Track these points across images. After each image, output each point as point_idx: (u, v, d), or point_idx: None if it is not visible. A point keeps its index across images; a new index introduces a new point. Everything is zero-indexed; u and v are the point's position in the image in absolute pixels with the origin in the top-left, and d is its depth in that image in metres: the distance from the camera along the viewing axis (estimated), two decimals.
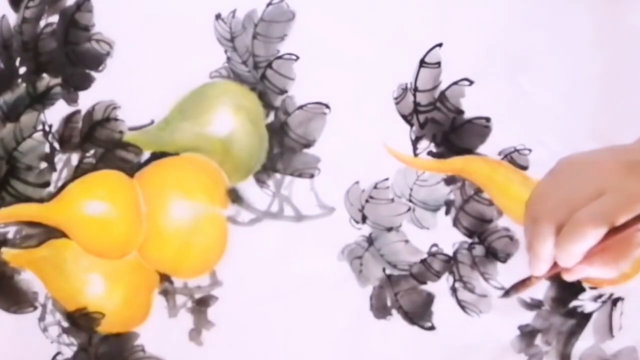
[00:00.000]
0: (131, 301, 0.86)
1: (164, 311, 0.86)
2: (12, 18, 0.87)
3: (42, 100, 0.86)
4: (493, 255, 0.83)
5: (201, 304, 0.86)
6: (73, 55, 0.86)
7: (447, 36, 0.82)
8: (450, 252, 0.83)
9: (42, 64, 0.86)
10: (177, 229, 0.85)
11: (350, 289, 0.84)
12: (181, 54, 0.84)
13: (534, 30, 0.81)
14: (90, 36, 0.86)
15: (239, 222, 0.85)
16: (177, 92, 0.85)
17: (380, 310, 0.84)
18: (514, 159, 0.82)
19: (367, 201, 0.83)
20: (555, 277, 0.56)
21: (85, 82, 0.86)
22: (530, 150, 0.82)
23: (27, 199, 0.87)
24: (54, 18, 0.86)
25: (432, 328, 0.83)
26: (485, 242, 0.83)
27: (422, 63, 0.82)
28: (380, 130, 0.83)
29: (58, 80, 0.86)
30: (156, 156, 0.86)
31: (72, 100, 0.86)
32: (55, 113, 0.86)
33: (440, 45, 0.82)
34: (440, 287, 0.83)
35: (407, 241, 0.83)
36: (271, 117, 0.84)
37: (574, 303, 0.82)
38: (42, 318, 0.87)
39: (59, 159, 0.87)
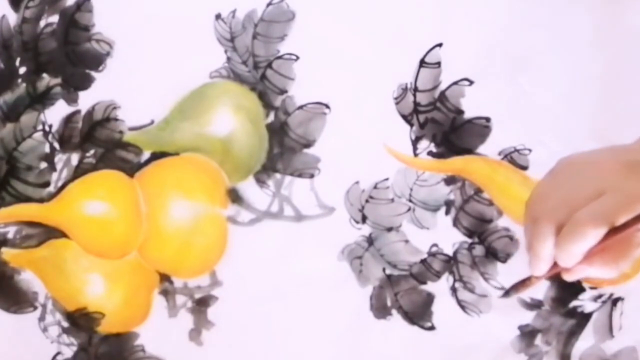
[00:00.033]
0: (131, 301, 0.86)
1: (164, 311, 0.86)
2: (12, 18, 0.87)
3: (42, 100, 0.86)
4: (493, 255, 0.83)
5: (201, 304, 0.86)
6: (73, 55, 0.86)
7: (447, 36, 0.82)
8: (450, 252, 0.83)
9: (42, 64, 0.86)
10: (177, 229, 0.85)
11: (350, 289, 0.84)
12: (181, 54, 0.84)
13: (534, 30, 0.81)
14: (90, 36, 0.86)
15: (239, 222, 0.85)
16: (177, 92, 0.85)
17: (380, 310, 0.84)
18: (514, 159, 0.82)
19: (367, 201, 0.83)
20: (555, 277, 0.56)
21: (85, 82, 0.86)
22: (530, 150, 0.82)
23: (27, 199, 0.87)
24: (54, 18, 0.86)
25: (432, 328, 0.83)
26: (485, 242, 0.83)
27: (422, 63, 0.82)
28: (380, 130, 0.83)
29: (58, 80, 0.86)
30: (156, 156, 0.86)
31: (72, 100, 0.86)
32: (55, 113, 0.86)
33: (440, 45, 0.82)
34: (440, 287, 0.83)
35: (407, 241, 0.83)
36: (271, 117, 0.84)
37: (574, 303, 0.82)
38: (42, 318, 0.87)
39: (59, 159, 0.87)
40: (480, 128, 0.82)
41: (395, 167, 0.83)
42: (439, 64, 0.82)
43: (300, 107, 0.84)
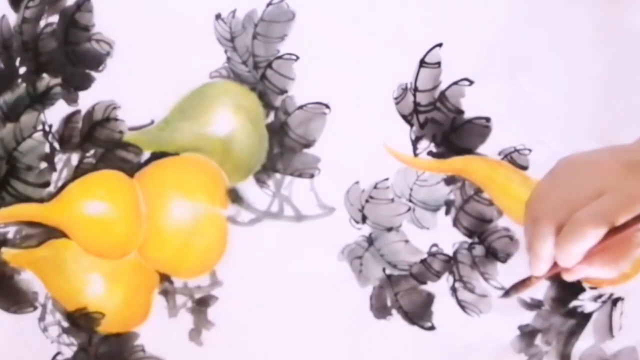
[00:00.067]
0: (131, 301, 0.86)
1: (164, 311, 0.86)
2: (12, 18, 0.87)
3: (42, 100, 0.86)
4: (493, 255, 0.83)
5: (201, 304, 0.86)
6: (73, 55, 0.86)
7: (447, 36, 0.82)
8: (450, 252, 0.83)
9: (42, 64, 0.86)
10: (177, 229, 0.85)
11: (350, 289, 0.84)
12: (181, 54, 0.84)
13: (534, 30, 0.81)
14: (90, 36, 0.86)
15: (239, 222, 0.85)
16: (177, 92, 0.85)
17: (380, 310, 0.84)
18: (514, 159, 0.82)
19: (367, 201, 0.83)
20: (555, 277, 0.56)
21: (85, 82, 0.86)
22: (530, 150, 0.82)
23: (27, 199, 0.87)
24: (54, 18, 0.86)
25: (432, 328, 0.83)
26: (485, 242, 0.83)
27: (422, 63, 0.82)
28: (380, 130, 0.83)
29: (58, 80, 0.86)
30: (156, 156, 0.86)
31: (72, 100, 0.86)
32: (55, 113, 0.86)
33: (440, 45, 0.82)
34: (440, 287, 0.83)
35: (407, 241, 0.83)
36: (271, 117, 0.84)
37: (574, 303, 0.82)
38: (42, 318, 0.87)
39: (59, 159, 0.87)
40: (480, 128, 0.82)
41: (395, 167, 0.83)
42: (439, 64, 0.82)
43: (300, 107, 0.84)
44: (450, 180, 0.83)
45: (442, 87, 0.82)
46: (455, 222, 0.83)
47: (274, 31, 0.84)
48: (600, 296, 0.82)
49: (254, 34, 0.84)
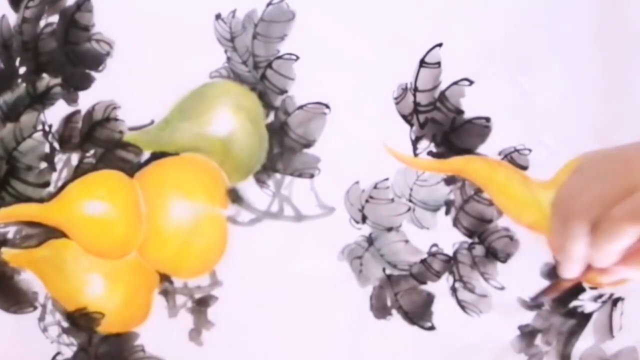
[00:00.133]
0: (131, 301, 0.86)
1: (164, 311, 0.86)
2: (12, 18, 0.87)
3: (42, 100, 0.86)
4: (493, 255, 0.83)
5: (201, 304, 0.86)
6: (73, 55, 0.86)
7: (447, 36, 0.82)
8: (450, 252, 0.83)
9: (42, 64, 0.86)
10: (177, 229, 0.85)
11: (350, 289, 0.84)
12: (181, 54, 0.84)
13: (534, 30, 0.81)
14: (90, 36, 0.86)
15: (239, 222, 0.85)
16: (177, 92, 0.85)
17: (380, 310, 0.84)
18: (514, 159, 0.82)
19: (367, 201, 0.83)
20: (585, 282, 0.54)
21: (85, 82, 0.86)
22: (530, 150, 0.82)
23: (27, 199, 0.87)
24: (54, 18, 0.86)
25: (432, 328, 0.83)
26: (485, 242, 0.83)
27: (422, 63, 0.82)
28: (380, 130, 0.83)
29: (58, 80, 0.86)
30: (156, 156, 0.86)
31: (72, 100, 0.86)
32: (55, 113, 0.86)
33: (440, 45, 0.82)
34: (440, 287, 0.83)
35: (407, 241, 0.83)
36: (271, 117, 0.84)
37: (574, 303, 0.82)
38: (42, 318, 0.87)
39: (59, 159, 0.87)
40: (480, 128, 0.82)
41: (395, 167, 0.83)
42: (439, 64, 0.82)
43: (300, 107, 0.84)
44: (450, 180, 0.83)
45: (442, 87, 0.82)
46: (455, 222, 0.83)
47: (274, 31, 0.84)
48: (600, 296, 0.82)
49: (254, 34, 0.84)
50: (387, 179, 0.83)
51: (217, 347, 0.86)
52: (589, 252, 0.50)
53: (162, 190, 0.85)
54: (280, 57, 0.84)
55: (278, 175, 0.84)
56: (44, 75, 0.86)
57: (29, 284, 0.87)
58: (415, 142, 0.83)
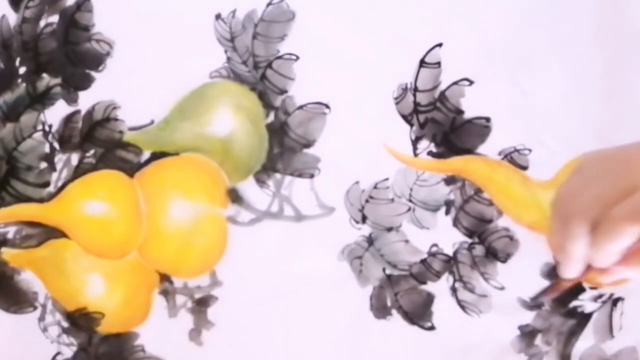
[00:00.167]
0: (131, 301, 0.86)
1: (164, 311, 0.86)
2: (12, 18, 0.87)
3: (42, 100, 0.86)
4: (493, 255, 0.83)
5: (201, 304, 0.86)
6: (73, 55, 0.86)
7: (447, 36, 0.82)
8: (450, 252, 0.83)
9: (42, 64, 0.86)
10: (177, 229, 0.85)
11: (350, 289, 0.84)
12: (181, 54, 0.84)
13: (534, 30, 0.81)
14: (90, 36, 0.86)
15: (239, 222, 0.85)
16: (177, 92, 0.85)
17: (380, 310, 0.84)
18: (514, 159, 0.82)
19: (367, 201, 0.83)
20: (585, 282, 0.54)
21: (85, 82, 0.86)
22: (530, 150, 0.82)
23: (27, 199, 0.87)
24: (54, 18, 0.86)
25: (432, 328, 0.83)
26: (485, 242, 0.83)
27: (422, 63, 0.82)
28: (380, 130, 0.83)
29: (58, 80, 0.86)
30: (156, 156, 0.86)
31: (72, 100, 0.86)
32: (55, 113, 0.86)
33: (440, 45, 0.82)
34: (440, 287, 0.83)
35: (407, 241, 0.83)
36: (271, 117, 0.84)
37: (574, 303, 0.82)
38: (42, 318, 0.87)
39: (59, 159, 0.87)
40: (480, 128, 0.82)
41: (395, 167, 0.83)
42: (439, 64, 0.82)
43: (300, 107, 0.84)
44: (450, 180, 0.83)
45: (442, 87, 0.82)
46: (455, 222, 0.83)
47: (274, 31, 0.84)
48: (600, 296, 0.82)
49: (254, 34, 0.84)
50: (387, 179, 0.83)
51: (217, 347, 0.86)
52: (589, 252, 0.50)
53: (162, 190, 0.85)
54: (280, 57, 0.84)
55: (278, 175, 0.84)
56: (44, 75, 0.86)
57: (29, 284, 0.87)
58: (415, 142, 0.83)
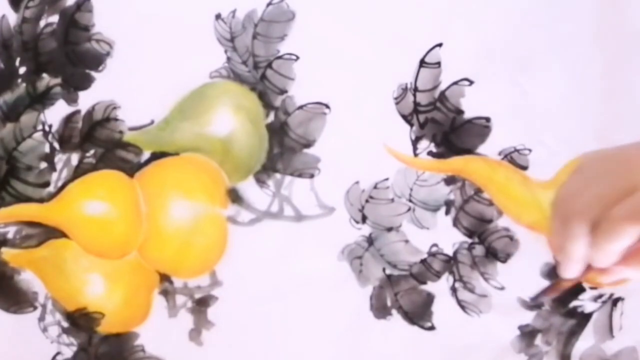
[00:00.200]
0: (131, 301, 0.86)
1: (164, 311, 0.86)
2: (12, 18, 0.87)
3: (42, 100, 0.86)
4: (493, 255, 0.83)
5: (201, 304, 0.86)
6: (73, 55, 0.86)
7: (447, 36, 0.82)
8: (450, 252, 0.83)
9: (42, 64, 0.86)
10: (177, 229, 0.85)
11: (350, 289, 0.84)
12: (181, 54, 0.84)
13: (534, 30, 0.81)
14: (90, 36, 0.86)
15: (239, 222, 0.85)
16: (177, 92, 0.85)
17: (380, 310, 0.84)
18: (514, 159, 0.82)
19: (367, 201, 0.83)
20: (586, 282, 0.54)
21: (85, 82, 0.86)
22: (530, 150, 0.82)
23: (27, 199, 0.87)
24: (54, 18, 0.86)
25: (432, 328, 0.83)
26: (485, 242, 0.83)
27: (422, 63, 0.82)
28: (380, 130, 0.83)
29: (58, 80, 0.86)
30: (156, 156, 0.86)
31: (72, 100, 0.86)
32: (55, 113, 0.86)
33: (440, 45, 0.82)
34: (440, 287, 0.83)
35: (407, 241, 0.83)
36: (271, 117, 0.84)
37: (574, 303, 0.82)
38: (42, 318, 0.87)
39: (59, 159, 0.87)
40: (480, 128, 0.82)
41: (395, 167, 0.83)
42: (439, 64, 0.82)
43: (300, 107, 0.84)
44: (450, 180, 0.83)
45: (442, 87, 0.82)
46: (455, 222, 0.83)
47: (274, 31, 0.84)
48: (600, 296, 0.82)
49: (254, 34, 0.84)
50: (387, 179, 0.83)
51: (217, 347, 0.86)
52: (589, 252, 0.50)
53: (162, 190, 0.85)
54: (280, 57, 0.84)
55: (278, 175, 0.84)
56: (44, 75, 0.86)
57: (29, 284, 0.87)
58: (415, 142, 0.83)
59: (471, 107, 0.82)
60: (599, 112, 0.80)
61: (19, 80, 0.87)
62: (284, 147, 0.84)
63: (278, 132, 0.84)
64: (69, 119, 0.86)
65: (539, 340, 0.82)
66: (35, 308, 0.87)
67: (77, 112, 0.86)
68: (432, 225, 0.83)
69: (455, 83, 0.82)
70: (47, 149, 0.86)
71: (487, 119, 0.82)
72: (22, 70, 0.87)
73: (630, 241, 0.49)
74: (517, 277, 0.82)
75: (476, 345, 0.83)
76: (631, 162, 0.52)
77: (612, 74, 0.80)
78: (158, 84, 0.85)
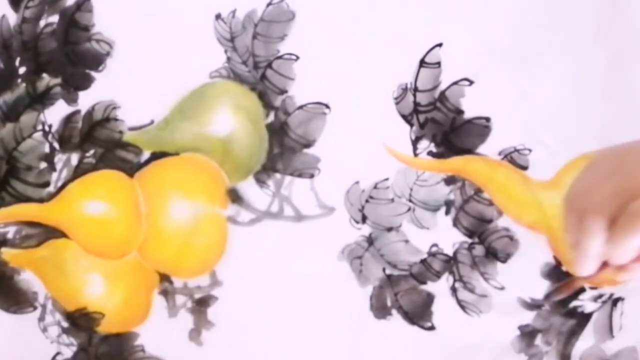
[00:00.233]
0: (131, 301, 0.86)
1: (164, 311, 0.86)
2: (12, 18, 0.87)
3: (42, 100, 0.86)
4: (493, 255, 0.83)
5: (201, 304, 0.86)
6: (73, 55, 0.86)
7: (447, 36, 0.82)
8: (450, 252, 0.83)
9: (42, 64, 0.86)
10: (177, 229, 0.85)
11: (350, 289, 0.84)
12: (181, 54, 0.84)
13: (534, 30, 0.81)
14: (90, 36, 0.86)
15: (239, 222, 0.85)
16: (177, 92, 0.85)
17: (380, 310, 0.84)
18: (514, 159, 0.82)
19: (367, 201, 0.83)
20: (600, 280, 0.52)
21: (85, 82, 0.86)
22: (530, 150, 0.82)
23: (27, 199, 0.87)
24: (54, 18, 0.86)
25: (432, 328, 0.83)
26: (485, 242, 0.83)
27: (422, 63, 0.82)
28: (380, 130, 0.83)
29: (58, 80, 0.86)
30: (156, 156, 0.86)
31: (72, 100, 0.86)
32: (55, 113, 0.86)
33: (440, 45, 0.82)
34: (440, 287, 0.83)
35: (407, 241, 0.83)
36: (271, 117, 0.84)
37: (574, 303, 0.82)
38: (42, 318, 0.87)
39: (59, 159, 0.86)
40: (480, 128, 0.82)
41: (395, 167, 0.83)
42: (439, 64, 0.82)
43: (300, 107, 0.84)
44: (450, 180, 0.83)
45: (442, 87, 0.82)
46: (455, 222, 0.83)
47: (274, 31, 0.84)
48: (600, 296, 0.82)
49: (254, 34, 0.84)
50: (387, 179, 0.83)
51: (217, 347, 0.86)
52: (605, 249, 0.50)
53: (162, 190, 0.85)
54: (280, 57, 0.84)
55: (278, 175, 0.84)
56: (44, 75, 0.86)
57: (29, 284, 0.87)
58: (415, 142, 0.83)
59: (471, 107, 0.82)
60: (600, 112, 0.80)
61: (19, 80, 0.87)
62: (284, 147, 0.84)
63: (278, 132, 0.84)
64: (69, 119, 0.86)
65: (539, 340, 0.82)
66: (35, 308, 0.87)
67: (77, 112, 0.86)
68: (432, 225, 0.83)
69: (455, 83, 0.82)
70: (47, 149, 0.86)
71: (487, 119, 0.82)
72: (22, 70, 0.87)
73: None
74: (517, 277, 0.82)
75: (476, 345, 0.83)
76: None
77: (612, 74, 0.80)
78: (158, 84, 0.85)
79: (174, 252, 0.85)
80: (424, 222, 0.83)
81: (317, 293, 0.84)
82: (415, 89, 0.82)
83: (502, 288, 0.82)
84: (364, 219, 0.84)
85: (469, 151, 0.82)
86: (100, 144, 0.86)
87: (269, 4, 0.84)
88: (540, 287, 0.81)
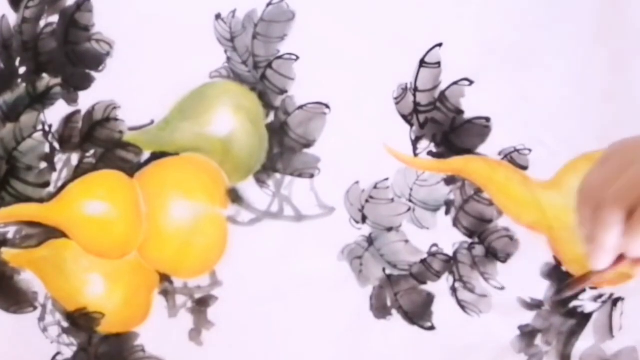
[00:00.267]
0: (131, 301, 0.86)
1: (164, 311, 0.86)
2: (12, 18, 0.87)
3: (42, 100, 0.86)
4: (493, 255, 0.83)
5: (201, 304, 0.86)
6: (73, 55, 0.86)
7: (447, 36, 0.82)
8: (450, 252, 0.83)
9: (42, 64, 0.86)
10: (177, 229, 0.85)
11: (350, 289, 0.84)
12: (181, 54, 0.84)
13: (534, 30, 0.81)
14: (90, 36, 0.86)
15: (239, 222, 0.85)
16: (177, 92, 0.85)
17: (380, 310, 0.84)
18: (514, 159, 0.82)
19: (367, 201, 0.83)
20: (613, 275, 0.51)
21: (85, 82, 0.86)
22: (530, 150, 0.82)
23: (27, 199, 0.87)
24: (54, 18, 0.86)
25: (432, 328, 0.83)
26: (485, 242, 0.83)
27: (422, 63, 0.82)
28: (380, 130, 0.83)
29: (58, 80, 0.86)
30: (156, 156, 0.86)
31: (72, 100, 0.86)
32: (55, 113, 0.86)
33: (440, 45, 0.82)
34: (440, 287, 0.83)
35: (407, 241, 0.83)
36: (271, 117, 0.84)
37: (574, 303, 0.82)
38: (42, 318, 0.87)
39: (59, 159, 0.87)
40: (480, 128, 0.82)
41: (395, 167, 0.83)
42: (439, 64, 0.82)
43: (300, 107, 0.84)
44: (450, 180, 0.83)
45: (442, 87, 0.82)
46: (455, 222, 0.83)
47: (274, 31, 0.84)
48: (600, 296, 0.82)
49: (254, 34, 0.84)
50: (387, 179, 0.83)
51: (217, 347, 0.86)
52: (622, 241, 0.48)
53: (162, 190, 0.85)
54: (280, 57, 0.84)
55: (278, 175, 0.84)
56: (44, 75, 0.86)
57: (29, 284, 0.87)
58: (415, 142, 0.83)
59: (471, 107, 0.82)
60: (600, 112, 0.80)
61: (19, 80, 0.87)
62: (284, 147, 0.84)
63: (278, 132, 0.84)
64: (69, 119, 0.86)
65: (539, 340, 0.82)
66: (35, 308, 0.87)
67: (77, 112, 0.86)
68: (432, 225, 0.83)
69: (455, 83, 0.82)
70: (47, 149, 0.86)
71: (487, 119, 0.82)
72: (22, 70, 0.87)
73: None
74: (517, 277, 0.82)
75: (476, 345, 0.83)
76: None
77: (612, 73, 0.80)
78: (158, 84, 0.85)
79: (174, 252, 0.85)
80: (424, 222, 0.83)
81: (317, 293, 0.84)
82: (415, 89, 0.82)
83: (502, 288, 0.82)
84: (364, 219, 0.84)
85: (469, 151, 0.82)
86: (101, 144, 0.86)
87: (269, 4, 0.84)
88: (540, 287, 0.81)
